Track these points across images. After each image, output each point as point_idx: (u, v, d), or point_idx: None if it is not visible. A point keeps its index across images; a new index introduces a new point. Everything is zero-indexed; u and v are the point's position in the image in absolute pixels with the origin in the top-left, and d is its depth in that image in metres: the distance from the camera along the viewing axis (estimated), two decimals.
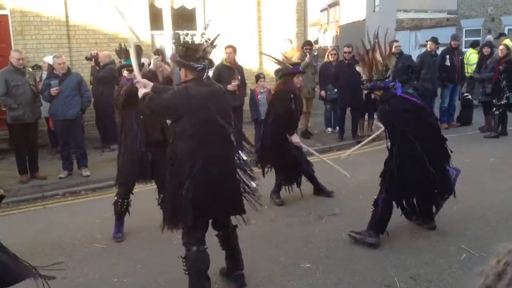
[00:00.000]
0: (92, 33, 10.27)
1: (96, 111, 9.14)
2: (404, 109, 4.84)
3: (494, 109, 9.85)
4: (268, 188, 6.50)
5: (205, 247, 3.90)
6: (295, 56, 7.63)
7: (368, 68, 4.98)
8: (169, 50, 10.65)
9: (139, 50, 5.15)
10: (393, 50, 6.86)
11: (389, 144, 4.98)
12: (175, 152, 3.81)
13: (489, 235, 5.08)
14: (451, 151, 5.20)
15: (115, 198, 5.42)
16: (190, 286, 3.96)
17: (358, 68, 5.48)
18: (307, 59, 9.79)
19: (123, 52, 5.26)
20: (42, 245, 5.36)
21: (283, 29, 11.83)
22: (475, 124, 10.96)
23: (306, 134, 10.04)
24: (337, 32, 46.31)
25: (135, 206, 5.80)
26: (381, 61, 4.93)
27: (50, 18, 9.85)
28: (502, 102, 9.69)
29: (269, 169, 6.45)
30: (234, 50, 8.56)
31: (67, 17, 10.02)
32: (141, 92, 3.97)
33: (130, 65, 5.02)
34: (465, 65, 11.67)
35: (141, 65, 4.55)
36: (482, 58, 10.75)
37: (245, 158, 4.50)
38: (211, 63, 4.06)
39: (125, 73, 5.19)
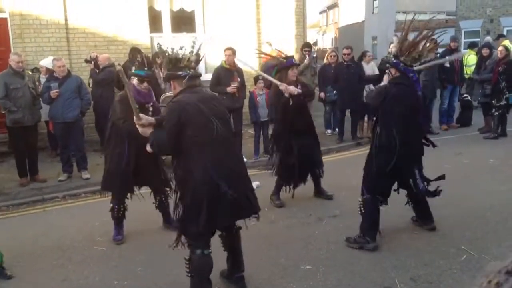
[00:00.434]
0: (91, 36, 10.27)
1: (95, 113, 9.14)
2: (405, 101, 4.80)
3: (494, 110, 9.86)
4: (268, 190, 6.51)
5: (210, 251, 3.89)
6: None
7: (405, 46, 4.86)
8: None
9: (142, 64, 5.17)
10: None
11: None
12: (184, 167, 3.76)
13: (489, 236, 5.09)
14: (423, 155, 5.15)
15: (111, 204, 5.44)
16: None
17: (394, 39, 5.37)
18: (306, 61, 9.80)
19: (140, 64, 5.20)
20: (42, 248, 5.36)
21: (282, 31, 11.84)
22: (474, 125, 10.97)
23: None
24: (336, 34, 46.38)
25: (135, 209, 5.81)
26: (419, 50, 4.88)
27: (49, 21, 9.86)
28: (502, 103, 9.71)
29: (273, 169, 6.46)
30: (233, 52, 8.56)
31: (66, 20, 10.03)
32: (141, 130, 3.99)
33: (140, 75, 5.01)
34: (464, 67, 11.68)
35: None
36: (481, 59, 10.76)
37: (245, 159, 4.51)
38: (197, 72, 4.08)
39: (134, 81, 5.15)
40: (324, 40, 51.85)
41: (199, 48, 4.08)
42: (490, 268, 0.93)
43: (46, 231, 5.92)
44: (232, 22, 11.39)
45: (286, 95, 5.99)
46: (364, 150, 7.02)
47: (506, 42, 11.38)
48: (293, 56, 6.37)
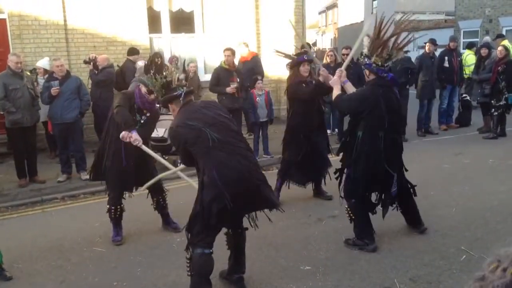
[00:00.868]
0: (90, 36, 10.27)
1: (94, 114, 9.13)
2: (386, 102, 4.73)
3: (493, 110, 9.86)
4: None
5: (211, 251, 3.88)
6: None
7: (375, 46, 4.84)
8: (168, 53, 10.66)
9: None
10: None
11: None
12: (199, 175, 3.91)
13: (489, 236, 5.08)
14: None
15: (107, 206, 5.43)
16: None
17: (365, 39, 5.33)
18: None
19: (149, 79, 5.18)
20: (41, 249, 5.34)
21: (281, 31, 11.82)
22: (474, 125, 10.97)
23: None
24: (335, 34, 46.36)
25: (134, 210, 5.81)
26: (389, 49, 4.84)
27: (48, 21, 9.85)
28: (501, 103, 9.72)
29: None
30: (232, 53, 8.56)
31: (65, 20, 10.02)
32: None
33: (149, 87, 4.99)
34: (463, 67, 11.69)
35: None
36: (480, 59, 10.77)
37: None
38: (190, 88, 4.27)
39: (143, 89, 5.14)
40: (323, 40, 51.84)
41: (184, 65, 4.22)
42: (503, 253, 0.88)
43: (45, 232, 5.91)
44: (231, 23, 11.39)
45: (322, 79, 5.89)
46: None
47: (505, 42, 11.39)
48: (305, 52, 6.37)
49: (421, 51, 11.36)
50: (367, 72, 4.95)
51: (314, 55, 12.43)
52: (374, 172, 4.77)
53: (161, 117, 6.18)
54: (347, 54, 9.79)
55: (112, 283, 4.49)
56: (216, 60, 9.50)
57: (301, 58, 6.26)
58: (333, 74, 8.32)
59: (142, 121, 5.25)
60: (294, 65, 6.28)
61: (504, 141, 9.66)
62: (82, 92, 7.81)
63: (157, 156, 5.28)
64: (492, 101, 9.84)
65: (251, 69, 9.34)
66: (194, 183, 4.35)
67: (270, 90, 9.79)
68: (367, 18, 34.11)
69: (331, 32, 49.16)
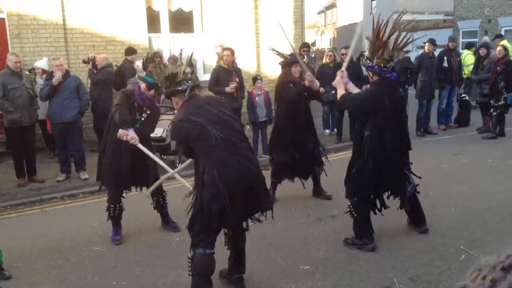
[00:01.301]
0: (89, 36, 10.25)
1: (93, 114, 9.13)
2: (392, 102, 4.75)
3: (492, 110, 9.87)
4: None
5: (213, 251, 3.88)
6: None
7: (375, 48, 4.84)
8: (167, 52, 10.65)
9: None
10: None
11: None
12: (197, 171, 3.90)
13: (488, 236, 5.09)
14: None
15: (107, 204, 5.43)
16: (192, 287, 3.95)
17: (365, 41, 5.34)
18: (304, 61, 9.78)
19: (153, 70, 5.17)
20: (40, 248, 5.34)
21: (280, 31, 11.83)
22: (473, 125, 10.98)
23: None
24: (334, 34, 46.38)
25: (133, 209, 5.81)
26: (390, 50, 4.84)
27: (47, 21, 9.84)
28: (500, 103, 9.72)
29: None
30: (231, 52, 8.56)
31: (64, 20, 10.00)
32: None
33: (149, 82, 4.98)
34: (462, 67, 11.70)
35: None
36: (479, 59, 10.78)
37: None
38: (195, 82, 4.20)
39: (142, 85, 5.14)
40: (322, 40, 51.85)
41: (191, 58, 4.14)
42: (483, 262, 0.90)
43: (44, 231, 5.91)
44: (231, 22, 11.38)
45: (307, 83, 5.93)
46: None
47: (504, 42, 11.40)
48: (299, 54, 6.40)
49: (421, 51, 11.35)
50: (370, 74, 4.95)
51: (313, 55, 12.48)
52: (382, 171, 4.79)
53: (160, 116, 6.18)
54: (346, 54, 9.81)
55: (111, 282, 4.49)
56: (215, 59, 9.49)
57: (294, 59, 6.28)
58: (332, 74, 8.38)
59: (142, 119, 5.25)
60: (286, 64, 6.28)
61: (503, 141, 9.67)
62: (81, 92, 7.80)
63: (154, 156, 5.26)
64: (491, 101, 9.85)
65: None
66: (189, 185, 4.33)
67: (269, 90, 9.78)
68: (366, 19, 34.16)
69: (330, 32, 49.17)
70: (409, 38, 4.94)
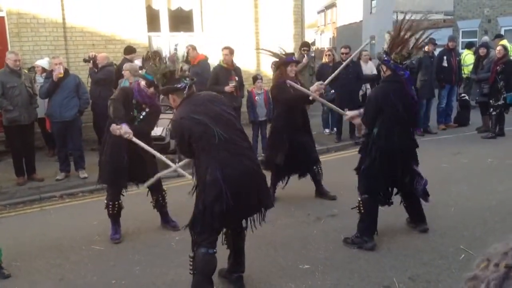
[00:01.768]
0: (89, 35, 10.25)
1: (93, 113, 9.12)
2: (401, 100, 4.80)
3: (492, 109, 9.87)
4: None
5: (215, 250, 3.87)
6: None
7: (395, 44, 4.84)
8: (167, 52, 10.62)
9: None
10: None
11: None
12: (197, 170, 3.86)
13: (488, 236, 5.08)
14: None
15: (106, 201, 5.42)
16: (192, 286, 3.94)
17: (386, 36, 5.36)
18: (304, 60, 9.79)
19: (149, 66, 5.15)
20: (39, 247, 5.33)
21: (280, 30, 11.84)
22: (472, 125, 10.98)
23: None
24: (334, 33, 46.38)
25: (133, 208, 5.80)
26: (409, 48, 4.86)
27: (47, 20, 9.83)
28: (499, 103, 9.72)
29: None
30: (230, 51, 8.55)
31: (64, 19, 10.00)
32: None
33: (149, 80, 4.96)
34: (462, 66, 11.69)
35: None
36: (478, 59, 10.77)
37: None
38: (193, 80, 4.09)
39: (142, 82, 5.10)
40: (322, 39, 51.85)
41: (186, 55, 4.09)
42: (492, 250, 0.89)
43: (43, 230, 5.90)
44: (230, 22, 11.38)
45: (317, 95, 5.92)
46: None
47: (504, 42, 11.39)
48: (293, 54, 6.39)
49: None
50: (384, 68, 4.97)
51: (313, 55, 12.48)
52: (390, 168, 4.83)
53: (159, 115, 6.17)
54: (346, 53, 9.82)
55: (110, 281, 4.48)
56: (215, 59, 9.48)
57: (290, 59, 6.26)
58: (332, 72, 8.37)
59: (141, 117, 5.23)
60: (282, 64, 6.27)
61: (503, 141, 9.67)
62: (81, 91, 7.79)
63: (152, 150, 5.23)
64: (491, 101, 9.85)
65: (199, 75, 7.97)
66: (189, 175, 4.27)
67: (269, 90, 9.76)
68: (365, 18, 34.17)
69: (330, 32, 49.17)
70: (427, 38, 4.97)
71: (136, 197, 5.70)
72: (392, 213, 5.34)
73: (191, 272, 3.91)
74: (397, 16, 5.18)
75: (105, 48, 10.15)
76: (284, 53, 6.38)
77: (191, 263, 3.89)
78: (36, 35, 9.78)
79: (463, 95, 11.58)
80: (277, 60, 6.42)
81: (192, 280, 3.93)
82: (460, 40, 21.13)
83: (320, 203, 6.42)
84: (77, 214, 6.47)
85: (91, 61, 8.95)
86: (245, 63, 10.89)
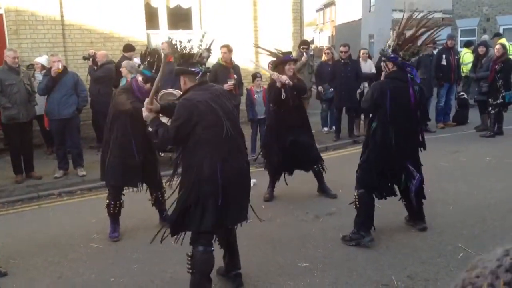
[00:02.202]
0: (87, 32, 10.22)
1: (92, 110, 9.11)
2: (402, 98, 4.79)
3: (490, 108, 9.87)
4: (264, 188, 6.50)
5: (212, 248, 3.87)
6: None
7: (405, 40, 4.82)
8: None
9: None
10: None
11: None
12: (188, 162, 3.78)
13: (486, 234, 5.09)
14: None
15: (107, 201, 5.41)
16: (191, 285, 3.93)
17: (391, 33, 5.36)
18: (303, 58, 9.76)
19: (149, 64, 5.13)
20: (37, 245, 5.32)
21: (279, 28, 11.83)
22: (471, 124, 10.98)
23: None
24: (333, 32, 46.36)
25: (131, 207, 5.79)
26: (418, 45, 4.86)
27: (45, 17, 9.80)
28: (498, 102, 9.72)
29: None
30: (229, 49, 8.54)
31: (62, 16, 9.97)
32: (145, 114, 3.97)
33: (146, 76, 4.96)
34: (461, 65, 11.69)
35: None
36: (477, 58, 10.77)
37: None
38: (208, 68, 4.08)
39: (140, 78, 5.11)
40: (320, 38, 51.83)
41: (211, 43, 4.05)
42: (480, 262, 0.84)
43: (41, 228, 5.89)
44: (229, 20, 11.37)
45: (278, 84, 5.97)
46: (361, 148, 7.01)
47: (503, 41, 11.39)
48: (290, 52, 6.39)
49: None
50: (390, 65, 4.91)
51: (312, 53, 12.46)
52: (384, 163, 4.85)
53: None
54: (345, 52, 9.81)
55: (109, 279, 4.48)
56: (214, 57, 9.46)
57: (287, 57, 6.25)
58: (330, 71, 8.45)
59: None
60: (279, 63, 6.26)
61: (501, 140, 9.67)
62: (79, 88, 7.77)
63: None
64: (490, 99, 9.85)
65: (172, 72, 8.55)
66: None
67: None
68: (364, 16, 34.16)
69: (328, 30, 49.16)
70: (436, 36, 4.97)
71: (134, 195, 5.69)
72: (391, 211, 5.35)
73: (189, 271, 3.90)
74: (403, 14, 5.15)
75: (104, 46, 10.13)
76: (281, 52, 6.38)
77: (189, 262, 3.89)
78: (35, 33, 9.76)
79: (461, 93, 11.58)
80: (275, 59, 6.41)
81: (190, 279, 3.93)
82: (459, 38, 21.13)
83: (319, 201, 6.41)
84: (75, 212, 6.46)
85: (91, 59, 8.93)
86: (244, 61, 10.87)
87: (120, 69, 7.67)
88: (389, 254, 4.72)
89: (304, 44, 10.44)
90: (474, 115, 11.01)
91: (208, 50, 4.00)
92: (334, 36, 44.59)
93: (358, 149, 6.84)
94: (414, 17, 4.94)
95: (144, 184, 5.61)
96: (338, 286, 4.19)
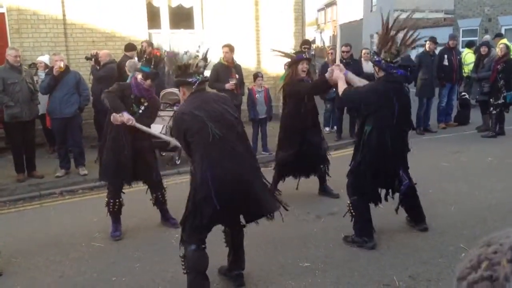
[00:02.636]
0: (89, 31, 10.23)
1: (94, 110, 9.11)
2: (394, 100, 4.72)
3: (492, 108, 9.87)
4: None
5: (204, 246, 3.88)
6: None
7: (382, 42, 4.81)
8: (167, 49, 10.61)
9: None
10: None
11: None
12: (193, 167, 3.87)
13: (487, 234, 5.06)
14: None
15: (106, 199, 5.42)
16: (188, 285, 3.94)
17: (375, 36, 5.35)
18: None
19: (147, 60, 5.16)
20: (39, 244, 5.33)
21: (281, 28, 11.83)
22: (472, 124, 10.98)
23: None
24: (334, 31, 46.30)
25: (133, 206, 5.80)
26: (397, 45, 4.79)
27: (47, 16, 9.82)
28: (500, 102, 9.72)
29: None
30: (230, 49, 8.54)
31: (64, 15, 9.99)
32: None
33: (145, 72, 4.98)
34: (462, 65, 11.68)
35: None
36: (479, 58, 10.77)
37: None
38: (205, 77, 4.12)
39: (139, 76, 5.13)
40: (322, 38, 51.79)
41: (207, 53, 4.11)
42: (494, 239, 0.86)
43: (43, 227, 5.90)
44: (231, 19, 11.37)
45: (329, 75, 5.69)
46: None
47: (504, 41, 11.39)
48: (303, 52, 6.36)
49: (421, 49, 11.32)
50: (376, 69, 4.91)
51: (313, 53, 12.47)
52: (379, 167, 4.79)
53: (159, 113, 6.18)
54: (347, 52, 9.81)
55: (110, 278, 4.49)
56: (216, 56, 9.47)
57: (300, 56, 6.22)
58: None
59: (140, 111, 5.24)
60: (293, 63, 6.25)
61: (503, 140, 9.67)
62: (81, 87, 7.78)
63: (154, 132, 5.24)
64: (491, 100, 9.85)
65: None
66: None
67: (270, 87, 9.77)
68: (366, 16, 34.14)
69: (330, 30, 49.11)
70: (417, 36, 4.92)
71: (135, 194, 5.71)
72: (392, 212, 5.34)
73: (185, 272, 3.91)
74: (387, 17, 5.13)
75: (105, 45, 10.14)
76: (294, 52, 6.37)
77: (183, 263, 3.91)
78: (36, 32, 9.77)
79: (463, 94, 11.58)
80: (289, 60, 6.38)
81: (187, 280, 3.94)
82: (461, 39, 21.11)
83: (320, 201, 6.42)
84: (77, 211, 6.47)
85: (93, 59, 8.94)
86: (246, 60, 10.88)
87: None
88: (390, 255, 4.72)
89: (306, 44, 10.43)
90: (475, 115, 11.01)
91: (205, 59, 4.07)
92: (335, 35, 44.54)
93: None
94: (397, 18, 4.89)
95: (144, 184, 5.63)
96: (340, 286, 4.19)
